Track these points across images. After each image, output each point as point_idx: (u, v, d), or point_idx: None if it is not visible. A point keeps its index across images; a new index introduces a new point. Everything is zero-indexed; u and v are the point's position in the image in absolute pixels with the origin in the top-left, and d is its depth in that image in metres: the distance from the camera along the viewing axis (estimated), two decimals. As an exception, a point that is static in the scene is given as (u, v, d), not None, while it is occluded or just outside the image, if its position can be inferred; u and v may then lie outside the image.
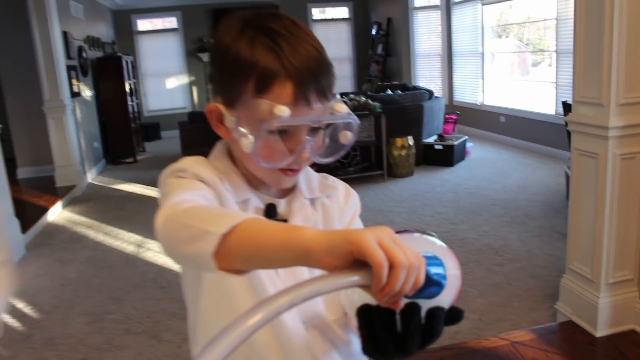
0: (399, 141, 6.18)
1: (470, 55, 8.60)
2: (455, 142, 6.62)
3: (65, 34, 6.74)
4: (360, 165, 6.29)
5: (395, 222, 4.63)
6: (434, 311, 0.65)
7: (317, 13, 11.51)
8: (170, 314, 3.23)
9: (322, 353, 0.86)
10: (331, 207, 0.95)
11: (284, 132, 0.80)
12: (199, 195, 0.77)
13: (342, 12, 11.58)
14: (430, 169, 6.53)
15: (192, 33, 10.85)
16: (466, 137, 7.07)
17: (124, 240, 4.64)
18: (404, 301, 0.61)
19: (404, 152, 6.19)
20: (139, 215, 5.36)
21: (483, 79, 8.37)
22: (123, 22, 10.58)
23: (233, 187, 0.86)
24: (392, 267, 0.54)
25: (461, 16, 8.74)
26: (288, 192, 0.93)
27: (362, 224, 0.99)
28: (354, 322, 0.77)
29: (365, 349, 0.70)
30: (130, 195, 6.29)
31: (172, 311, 3.26)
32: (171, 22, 10.94)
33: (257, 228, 0.62)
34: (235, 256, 0.62)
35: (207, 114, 0.86)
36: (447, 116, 7.55)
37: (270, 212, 0.89)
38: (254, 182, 0.89)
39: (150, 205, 5.73)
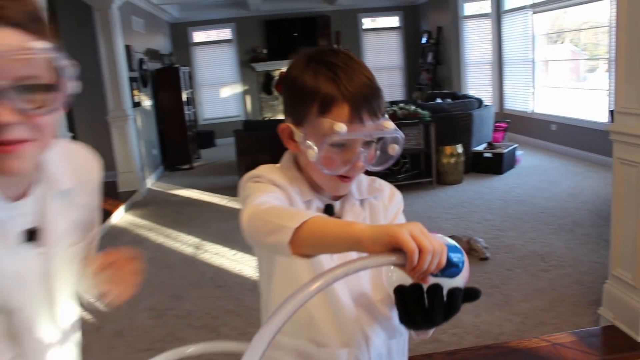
0: (448, 149, 6.27)
1: (521, 62, 8.58)
2: (505, 150, 6.65)
3: (127, 48, 7.13)
4: (410, 172, 6.41)
5: (443, 228, 4.73)
6: (453, 291, 0.82)
7: (367, 22, 11.67)
8: (227, 311, 3.44)
9: (368, 326, 1.04)
10: (377, 206, 1.13)
11: (342, 145, 0.98)
12: (273, 197, 0.96)
13: (393, 21, 11.70)
14: (479, 177, 6.58)
15: (245, 44, 11.19)
16: (516, 145, 7.08)
17: (183, 242, 4.91)
18: (430, 278, 0.77)
19: (453, 160, 6.27)
20: (195, 219, 5.64)
21: (534, 86, 8.35)
22: (180, 34, 11.01)
23: (299, 190, 1.05)
24: (421, 252, 0.70)
25: (512, 24, 8.74)
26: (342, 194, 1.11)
27: (404, 219, 1.15)
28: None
29: (401, 320, 0.88)
30: (187, 200, 6.60)
31: (229, 308, 3.47)
32: (225, 33, 11.32)
33: (321, 223, 0.81)
34: (305, 244, 0.80)
35: (280, 132, 1.05)
36: (496, 124, 7.57)
37: (328, 211, 1.07)
38: (315, 187, 1.07)
39: (206, 209, 6.01)
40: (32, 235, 0.89)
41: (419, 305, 0.83)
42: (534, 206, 5.21)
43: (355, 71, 0.97)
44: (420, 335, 1.05)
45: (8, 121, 0.73)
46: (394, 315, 1.07)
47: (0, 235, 0.84)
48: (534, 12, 8.10)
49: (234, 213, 5.82)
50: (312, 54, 1.01)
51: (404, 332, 1.11)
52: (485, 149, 6.82)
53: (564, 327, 2.95)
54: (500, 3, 8.98)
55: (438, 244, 0.72)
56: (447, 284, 0.81)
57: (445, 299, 0.82)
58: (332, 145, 0.97)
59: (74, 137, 5.72)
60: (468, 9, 9.72)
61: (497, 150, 6.68)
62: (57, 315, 0.95)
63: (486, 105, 7.34)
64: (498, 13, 9.03)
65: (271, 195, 0.96)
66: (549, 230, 4.52)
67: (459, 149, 6.33)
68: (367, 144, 1.00)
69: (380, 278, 1.05)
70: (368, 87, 0.97)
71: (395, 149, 1.04)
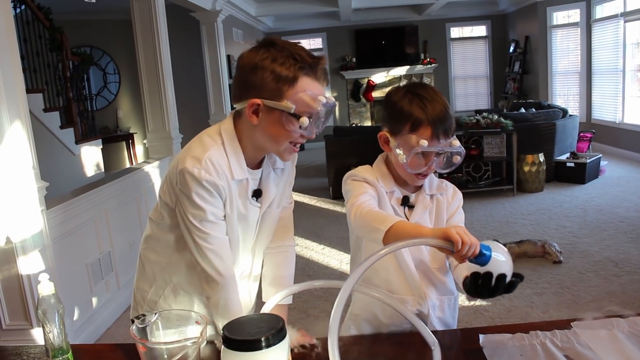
0: (529, 158, 6.44)
1: (611, 72, 8.54)
2: (588, 160, 6.72)
3: (228, 57, 7.77)
4: (491, 179, 6.62)
5: (520, 233, 4.96)
6: (501, 276, 1.17)
7: (455, 31, 11.86)
8: (316, 296, 3.87)
9: (426, 286, 1.46)
10: (442, 201, 1.54)
11: (422, 154, 1.41)
12: (368, 196, 1.39)
13: (480, 30, 11.83)
14: (560, 186, 6.70)
15: (335, 52, 11.69)
16: (600, 155, 7.11)
17: (276, 237, 5.39)
18: (467, 262, 1.16)
19: (534, 169, 6.43)
20: (287, 216, 6.12)
21: (623, 96, 8.28)
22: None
23: (385, 184, 1.48)
24: (462, 243, 1.11)
25: (602, 33, 8.71)
26: (417, 189, 1.52)
27: (463, 213, 1.55)
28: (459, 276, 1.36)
29: (469, 291, 1.24)
30: (279, 199, 7.10)
31: (318, 294, 3.90)
32: (317, 42, 11.87)
33: (401, 226, 1.23)
34: (391, 239, 1.22)
35: (378, 137, 1.48)
36: (581, 134, 7.62)
37: (405, 200, 1.49)
38: (398, 181, 1.49)
39: (296, 208, 6.43)
40: (257, 193, 1.41)
41: (486, 284, 1.18)
42: (613, 215, 5.32)
43: (436, 103, 1.40)
44: (472, 300, 1.45)
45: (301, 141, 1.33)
46: (447, 279, 1.48)
47: (243, 188, 1.37)
48: (626, 21, 8.05)
49: (323, 212, 6.29)
50: (409, 87, 1.45)
51: (454, 293, 1.50)
52: (568, 158, 6.92)
53: (628, 325, 3.15)
54: (590, 12, 8.97)
55: (474, 239, 1.13)
56: (496, 270, 1.16)
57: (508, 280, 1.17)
58: (416, 154, 1.39)
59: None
60: (557, 18, 9.74)
61: (580, 160, 6.76)
62: (257, 247, 1.50)
63: (571, 115, 7.41)
64: (588, 22, 9.02)
65: (366, 195, 1.40)
66: (626, 238, 4.65)
67: (541, 157, 6.48)
68: (438, 154, 1.42)
69: (438, 253, 1.44)
70: (444, 115, 1.40)
71: (458, 159, 1.45)
